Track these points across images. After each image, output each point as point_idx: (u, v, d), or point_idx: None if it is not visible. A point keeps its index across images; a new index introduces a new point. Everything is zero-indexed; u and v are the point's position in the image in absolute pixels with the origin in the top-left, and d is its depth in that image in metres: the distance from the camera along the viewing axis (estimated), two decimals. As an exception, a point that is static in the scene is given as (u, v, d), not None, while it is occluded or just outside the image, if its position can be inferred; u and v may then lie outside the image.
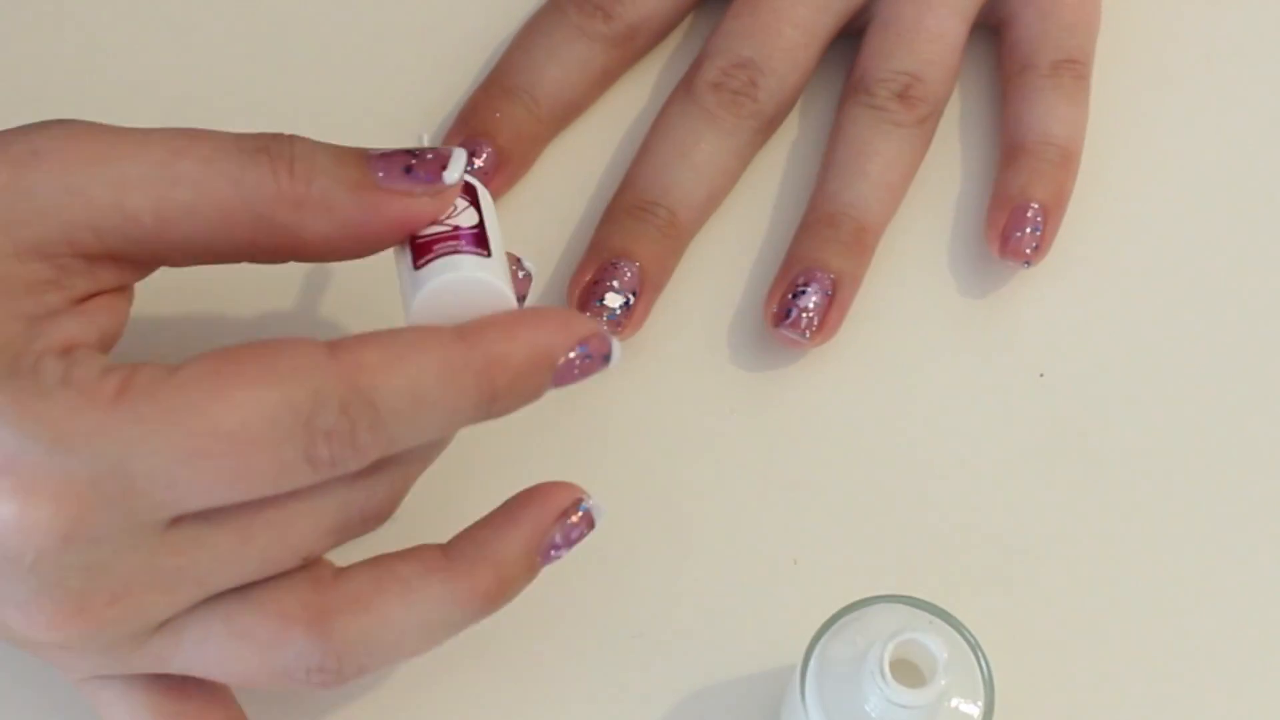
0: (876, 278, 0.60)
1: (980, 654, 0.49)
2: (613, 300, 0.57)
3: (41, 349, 0.44)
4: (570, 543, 0.49)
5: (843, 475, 0.57)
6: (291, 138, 0.47)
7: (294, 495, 0.45)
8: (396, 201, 0.47)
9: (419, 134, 0.51)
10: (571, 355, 0.47)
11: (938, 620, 0.49)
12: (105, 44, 0.62)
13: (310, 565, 0.48)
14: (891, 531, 0.57)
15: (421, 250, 0.47)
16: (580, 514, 0.49)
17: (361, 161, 0.47)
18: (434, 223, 0.47)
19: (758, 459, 0.57)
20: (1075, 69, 0.60)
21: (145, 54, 0.62)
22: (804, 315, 0.57)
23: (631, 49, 0.61)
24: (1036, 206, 0.58)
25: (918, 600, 0.50)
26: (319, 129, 0.61)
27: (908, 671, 0.48)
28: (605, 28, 0.60)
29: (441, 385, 0.45)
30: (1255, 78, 0.64)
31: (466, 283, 0.47)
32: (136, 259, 0.47)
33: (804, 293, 0.57)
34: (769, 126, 0.60)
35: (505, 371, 0.46)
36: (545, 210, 0.60)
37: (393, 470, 0.47)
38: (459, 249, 0.47)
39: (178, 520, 0.45)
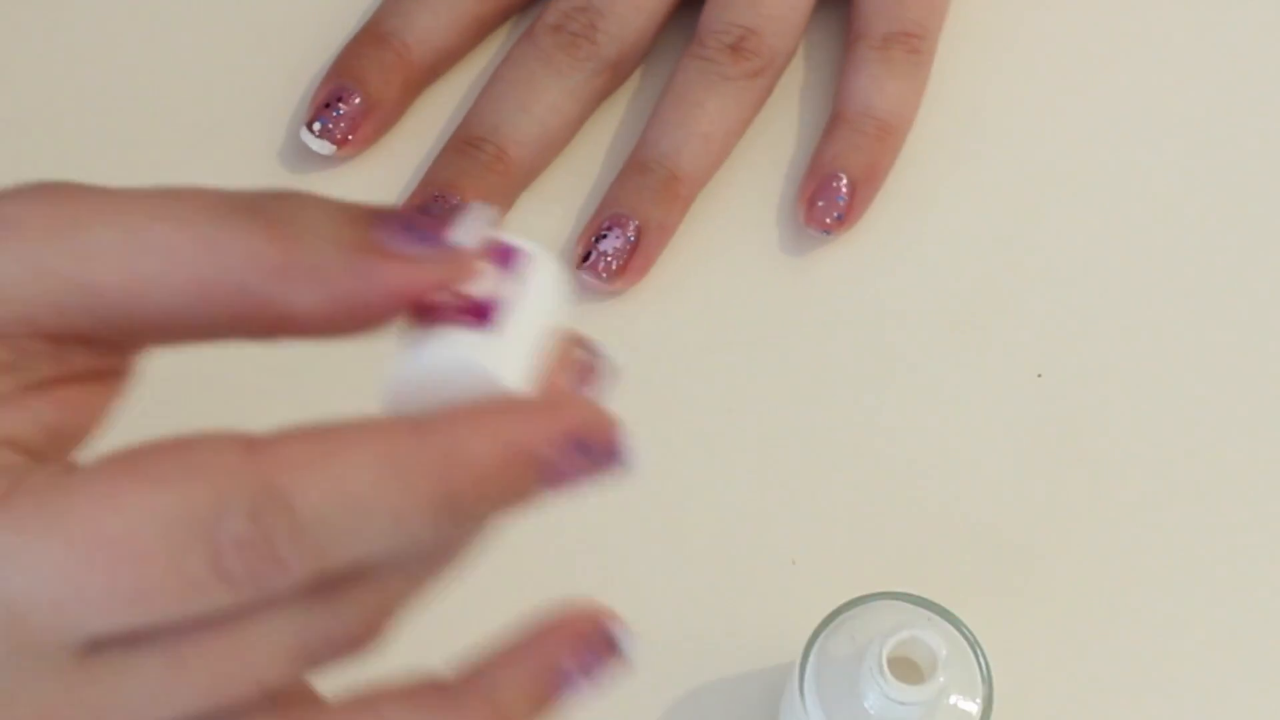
0: (872, 276, 0.60)
1: (979, 651, 0.49)
2: None
3: None
4: (591, 677, 0.40)
5: (841, 475, 0.57)
6: (294, 194, 0.39)
7: (233, 618, 0.38)
8: (394, 267, 0.38)
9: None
10: (557, 451, 0.37)
11: (936, 617, 0.50)
12: (91, 38, 0.62)
13: (287, 695, 0.41)
14: (890, 531, 0.57)
15: (418, 324, 0.38)
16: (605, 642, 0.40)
17: (362, 220, 0.39)
18: (448, 292, 0.38)
19: (756, 458, 0.57)
20: (909, 43, 0.59)
21: (106, 43, 0.62)
22: (603, 259, 0.58)
23: None
24: (843, 178, 0.58)
25: (917, 597, 0.50)
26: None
27: (907, 668, 0.48)
28: None
29: (380, 486, 0.37)
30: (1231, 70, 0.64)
31: (446, 364, 0.37)
32: (108, 339, 0.39)
33: (605, 237, 0.58)
34: (611, 71, 0.60)
35: (466, 471, 0.37)
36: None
37: (364, 589, 0.39)
38: (455, 322, 0.37)
39: (96, 646, 0.38)
